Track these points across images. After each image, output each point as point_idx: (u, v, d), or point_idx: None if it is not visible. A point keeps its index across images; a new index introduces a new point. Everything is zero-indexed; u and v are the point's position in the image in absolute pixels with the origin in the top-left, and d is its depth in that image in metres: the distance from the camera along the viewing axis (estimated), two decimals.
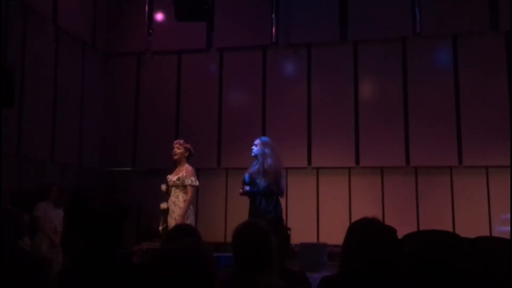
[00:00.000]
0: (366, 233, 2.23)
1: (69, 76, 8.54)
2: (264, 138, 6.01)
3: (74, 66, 8.77)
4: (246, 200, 5.97)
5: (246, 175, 5.84)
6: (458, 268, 1.49)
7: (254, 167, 5.82)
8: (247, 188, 5.75)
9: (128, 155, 9.45)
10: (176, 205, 5.60)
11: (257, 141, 5.93)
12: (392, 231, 2.61)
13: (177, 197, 5.64)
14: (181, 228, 3.28)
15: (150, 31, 9.63)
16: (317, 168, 8.82)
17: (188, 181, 5.65)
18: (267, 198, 5.67)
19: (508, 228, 7.88)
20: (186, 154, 5.87)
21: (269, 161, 5.70)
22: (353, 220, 2.44)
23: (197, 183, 5.79)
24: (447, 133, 8.36)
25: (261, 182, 5.66)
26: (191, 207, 5.73)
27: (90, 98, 9.10)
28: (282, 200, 6.05)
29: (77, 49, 8.91)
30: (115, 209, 2.35)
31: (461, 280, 1.47)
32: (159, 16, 9.59)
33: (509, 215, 7.91)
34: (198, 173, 5.90)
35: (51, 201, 6.66)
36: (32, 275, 1.37)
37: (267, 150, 5.78)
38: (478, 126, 8.23)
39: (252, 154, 5.90)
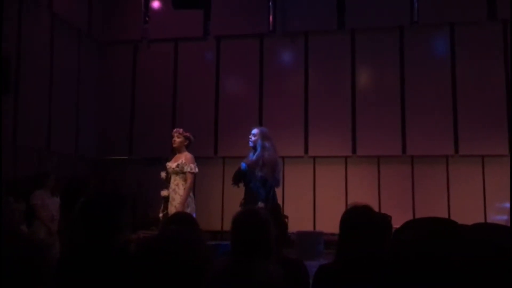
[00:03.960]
0: (357, 221, 2.24)
1: (65, 64, 8.49)
2: (262, 129, 5.95)
3: (70, 54, 8.71)
4: (242, 189, 5.96)
5: (243, 164, 5.82)
6: (458, 255, 1.50)
7: (252, 157, 5.79)
8: (243, 166, 5.74)
9: (125, 144, 9.43)
10: (176, 193, 5.62)
11: (255, 131, 5.86)
12: (385, 218, 2.62)
13: (177, 185, 5.66)
14: (178, 216, 3.28)
15: (147, 19, 9.57)
16: (314, 157, 8.84)
17: (187, 168, 5.66)
18: (263, 186, 5.68)
19: (504, 217, 7.94)
20: (185, 143, 5.88)
21: (267, 154, 5.68)
22: None
23: (197, 170, 5.79)
24: (444, 122, 8.37)
25: (258, 173, 5.65)
26: (191, 194, 5.75)
27: (86, 86, 9.06)
28: (279, 189, 6.06)
29: (73, 37, 8.85)
30: (113, 198, 2.35)
31: (461, 268, 1.48)
32: (156, 4, 9.52)
33: (506, 204, 7.96)
34: (195, 161, 5.89)
35: (48, 189, 6.66)
36: (30, 262, 1.37)
37: (266, 143, 5.75)
38: (475, 115, 8.24)
39: (250, 145, 5.85)
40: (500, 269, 1.41)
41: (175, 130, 5.98)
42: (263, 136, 5.78)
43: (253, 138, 5.81)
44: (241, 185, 5.84)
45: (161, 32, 9.41)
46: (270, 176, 5.64)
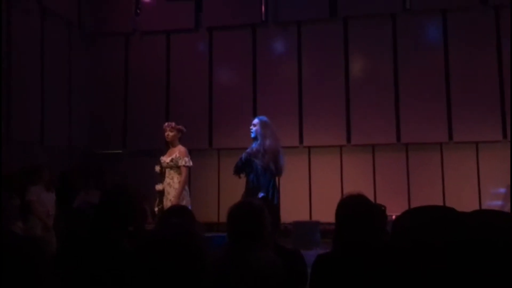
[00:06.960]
0: (353, 209, 2.25)
1: (56, 57, 8.43)
2: (263, 118, 5.94)
3: (61, 47, 8.64)
4: (238, 181, 5.96)
5: (243, 155, 5.82)
6: (459, 240, 1.51)
7: (254, 148, 5.78)
8: (243, 157, 5.71)
9: (118, 137, 9.40)
10: (171, 187, 5.62)
11: (255, 121, 5.86)
12: (380, 208, 2.64)
13: (172, 179, 5.66)
14: (174, 209, 3.28)
15: (138, 11, 9.49)
16: (309, 147, 8.84)
17: (181, 162, 5.66)
18: (263, 176, 5.66)
19: (498, 202, 8.00)
20: (178, 136, 5.87)
21: (268, 142, 5.67)
22: None
23: (191, 163, 5.79)
24: (437, 109, 8.39)
25: (260, 163, 5.65)
26: (186, 187, 5.74)
27: (79, 79, 9.00)
28: None
29: (63, 30, 8.77)
30: (130, 193, 2.38)
31: (462, 253, 1.49)
32: None
33: (500, 190, 8.01)
34: (189, 154, 5.88)
35: (43, 185, 6.60)
36: (27, 258, 1.36)
37: (266, 131, 5.75)
38: (468, 102, 8.26)
39: (252, 136, 5.84)
40: (501, 253, 1.42)
41: (166, 124, 5.93)
42: (263, 125, 5.78)
43: (253, 128, 5.82)
44: (243, 176, 5.84)
45: (152, 24, 9.34)
46: (272, 164, 5.64)
